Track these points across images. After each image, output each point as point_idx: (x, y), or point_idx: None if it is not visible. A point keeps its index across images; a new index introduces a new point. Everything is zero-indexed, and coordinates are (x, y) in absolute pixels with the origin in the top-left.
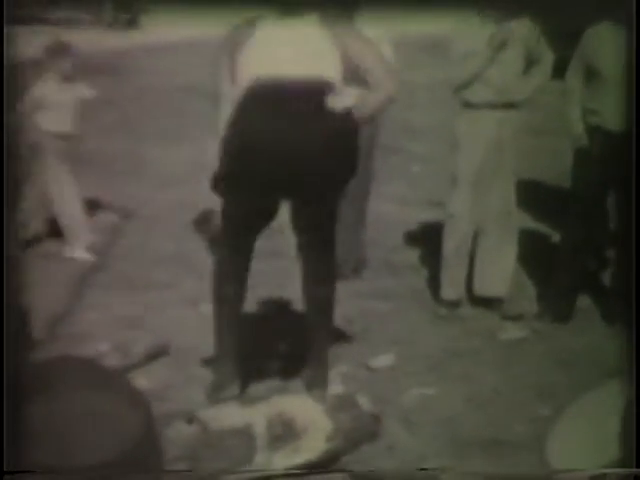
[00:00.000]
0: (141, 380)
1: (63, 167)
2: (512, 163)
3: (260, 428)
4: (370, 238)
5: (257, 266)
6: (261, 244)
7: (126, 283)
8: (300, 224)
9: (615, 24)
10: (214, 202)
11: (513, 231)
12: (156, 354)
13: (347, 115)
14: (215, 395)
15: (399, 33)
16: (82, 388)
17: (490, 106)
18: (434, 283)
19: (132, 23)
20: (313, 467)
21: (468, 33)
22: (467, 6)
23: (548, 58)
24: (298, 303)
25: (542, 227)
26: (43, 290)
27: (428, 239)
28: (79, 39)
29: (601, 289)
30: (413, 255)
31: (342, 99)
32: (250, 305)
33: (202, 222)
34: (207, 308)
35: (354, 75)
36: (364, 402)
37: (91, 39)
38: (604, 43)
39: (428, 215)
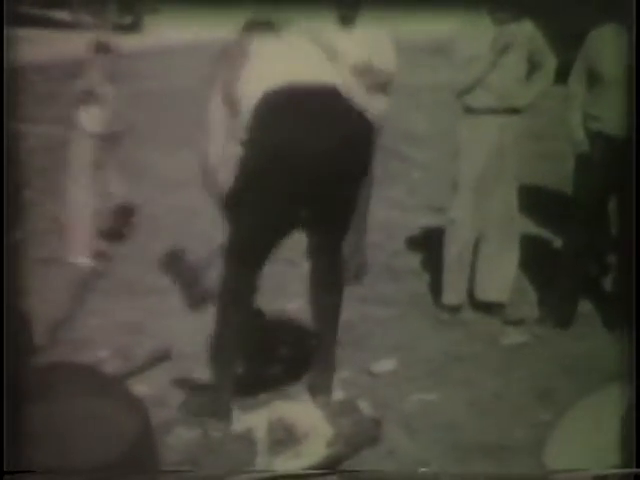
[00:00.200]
0: (142, 386)
1: (89, 168)
2: (514, 168)
3: (261, 433)
4: (371, 243)
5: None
6: None
7: (127, 288)
8: (315, 229)
9: (618, 27)
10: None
11: (514, 236)
12: (157, 360)
13: (361, 118)
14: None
15: (401, 36)
16: (80, 394)
17: (492, 111)
18: (435, 288)
19: (135, 26)
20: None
21: (471, 37)
22: (470, 9)
23: (551, 63)
24: (299, 308)
25: (543, 232)
26: (44, 295)
27: (429, 244)
28: (82, 42)
29: (602, 294)
30: (414, 260)
31: (354, 103)
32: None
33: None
34: (208, 313)
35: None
36: (365, 407)
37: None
38: (607, 47)
39: (429, 220)
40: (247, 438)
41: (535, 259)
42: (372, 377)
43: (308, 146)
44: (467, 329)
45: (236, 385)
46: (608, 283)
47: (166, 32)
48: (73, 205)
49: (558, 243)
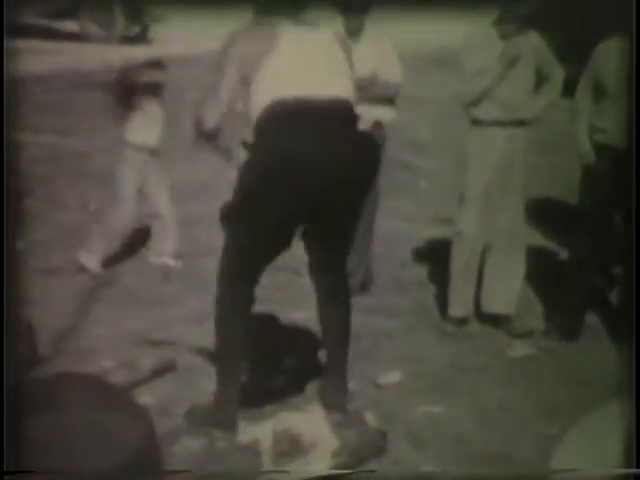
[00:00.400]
0: (147, 396)
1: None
2: (520, 180)
3: (266, 444)
4: (378, 254)
5: (262, 280)
6: None
7: (133, 299)
8: (316, 245)
9: (624, 41)
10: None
11: (521, 248)
12: (163, 370)
13: (368, 134)
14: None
15: (407, 48)
16: (85, 404)
17: (499, 123)
18: (442, 300)
19: (141, 37)
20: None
21: (478, 50)
22: (477, 21)
23: (559, 75)
24: (305, 318)
25: (550, 244)
26: (48, 305)
27: (436, 256)
28: (88, 53)
29: (609, 307)
30: (421, 272)
31: (362, 120)
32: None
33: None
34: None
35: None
36: (371, 418)
37: (100, 53)
38: (613, 60)
39: (436, 232)
40: (253, 449)
41: (541, 271)
42: (378, 389)
43: (310, 159)
44: (473, 341)
45: (242, 396)
46: (614, 295)
47: (172, 43)
48: (120, 216)
49: (564, 255)
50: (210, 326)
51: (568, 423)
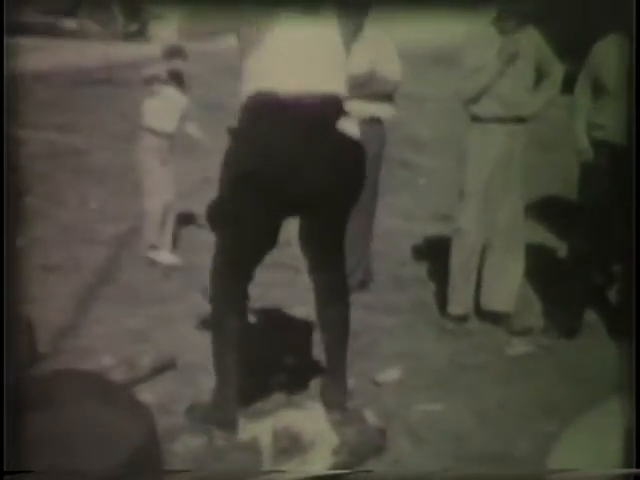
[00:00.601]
0: (147, 394)
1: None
2: (520, 177)
3: (266, 441)
4: (377, 252)
5: (261, 277)
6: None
7: (133, 296)
8: (309, 245)
9: (623, 38)
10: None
11: (520, 245)
12: (162, 368)
13: (351, 137)
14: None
15: (407, 45)
16: (85, 401)
17: (499, 120)
18: (441, 297)
19: (140, 34)
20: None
21: (477, 46)
22: (476, 18)
23: (558, 71)
24: (304, 315)
25: (549, 242)
26: (48, 303)
27: (435, 253)
28: (88, 50)
29: (608, 304)
30: (420, 269)
31: (349, 123)
32: (254, 317)
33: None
34: None
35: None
36: (370, 416)
37: (100, 50)
38: (612, 57)
39: (435, 229)
40: (252, 447)
41: (540, 269)
42: (377, 386)
43: (289, 155)
44: (472, 339)
45: (242, 394)
46: (613, 293)
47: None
48: (149, 203)
49: (563, 252)
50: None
51: (567, 420)
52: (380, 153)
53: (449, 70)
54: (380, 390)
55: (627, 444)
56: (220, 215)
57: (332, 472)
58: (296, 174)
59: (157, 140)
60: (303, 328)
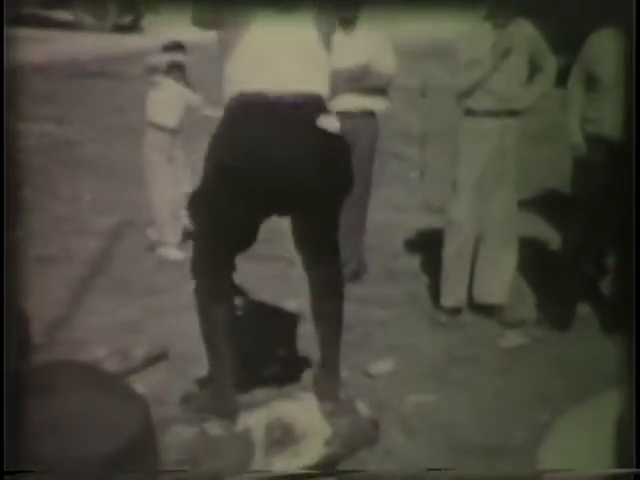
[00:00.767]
0: (139, 385)
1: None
2: (513, 170)
3: (258, 433)
4: (370, 244)
5: (254, 270)
6: (258, 248)
7: (126, 288)
8: (302, 243)
9: (617, 31)
10: None
11: (513, 238)
12: (155, 359)
13: (335, 134)
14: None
15: (400, 39)
16: (80, 390)
17: (492, 114)
18: (434, 290)
19: (134, 26)
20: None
21: (471, 40)
22: (470, 12)
23: (552, 65)
24: (296, 307)
25: (542, 234)
26: (43, 294)
27: (428, 246)
28: (82, 42)
29: (600, 297)
30: (413, 262)
31: (331, 120)
32: (247, 309)
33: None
34: None
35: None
36: (363, 408)
37: (93, 42)
38: (605, 51)
39: (428, 222)
40: (245, 437)
41: (533, 261)
42: (370, 378)
43: (272, 155)
44: (465, 331)
45: (235, 385)
46: (606, 285)
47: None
48: (155, 198)
49: (556, 245)
50: None
51: (560, 412)
52: (373, 146)
53: (441, 64)
54: (373, 382)
55: (620, 433)
56: (199, 205)
57: (325, 471)
58: (278, 173)
59: (161, 135)
60: (296, 319)
